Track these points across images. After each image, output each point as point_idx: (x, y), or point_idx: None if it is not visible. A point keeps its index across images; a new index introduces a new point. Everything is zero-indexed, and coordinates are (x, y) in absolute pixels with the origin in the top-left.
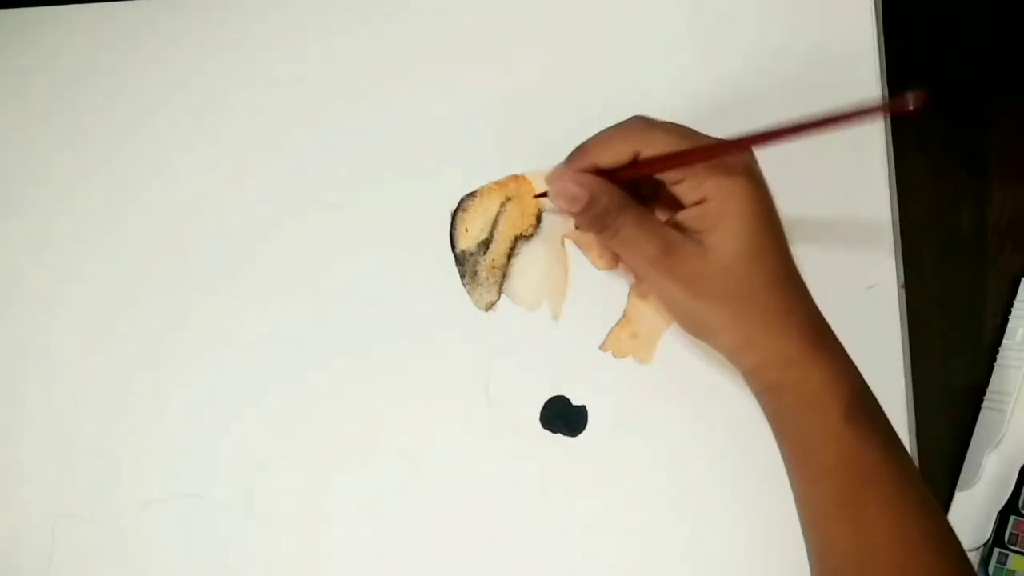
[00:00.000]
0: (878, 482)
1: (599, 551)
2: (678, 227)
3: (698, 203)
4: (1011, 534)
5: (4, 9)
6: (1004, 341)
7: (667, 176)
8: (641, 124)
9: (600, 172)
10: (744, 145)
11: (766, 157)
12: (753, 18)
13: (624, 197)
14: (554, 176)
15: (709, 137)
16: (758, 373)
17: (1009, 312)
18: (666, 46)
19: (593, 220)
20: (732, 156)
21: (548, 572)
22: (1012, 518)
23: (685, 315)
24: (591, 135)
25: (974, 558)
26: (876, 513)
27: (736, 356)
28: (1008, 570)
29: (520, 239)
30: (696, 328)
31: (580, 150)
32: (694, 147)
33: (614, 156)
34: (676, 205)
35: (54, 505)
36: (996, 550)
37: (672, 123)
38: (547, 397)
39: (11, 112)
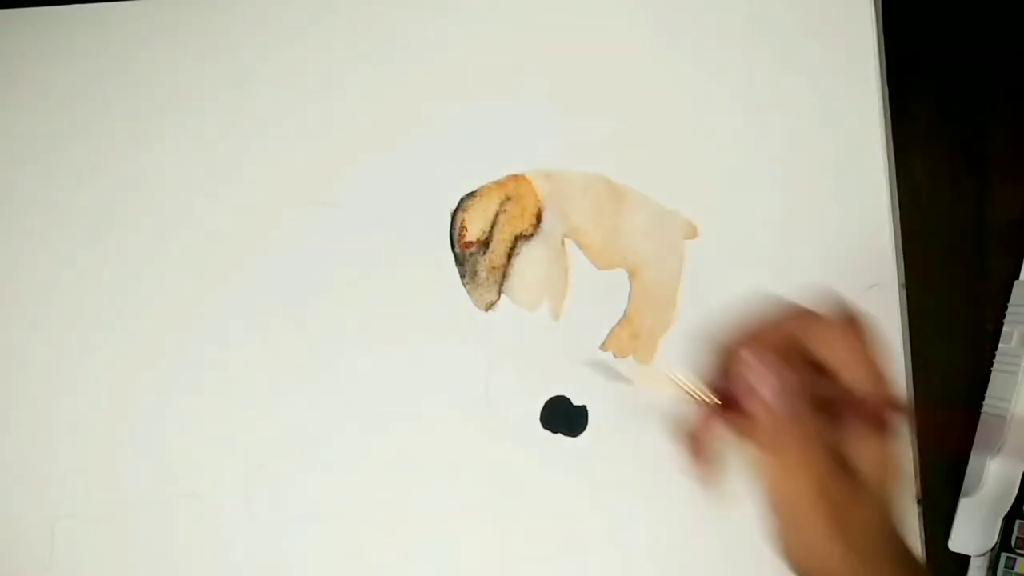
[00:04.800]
0: None
1: (599, 551)
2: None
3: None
4: (1017, 538)
5: (4, 9)
6: (1000, 345)
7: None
8: (806, 314)
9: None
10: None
11: (765, 160)
12: (753, 11)
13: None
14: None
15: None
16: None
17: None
18: (665, 48)
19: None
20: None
21: (548, 571)
22: (1017, 522)
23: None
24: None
25: (982, 564)
26: None
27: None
28: (1017, 573)
29: (520, 239)
30: (783, 550)
31: (742, 333)
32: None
33: (780, 337)
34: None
35: (54, 505)
36: (1004, 555)
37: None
38: (547, 397)
39: (10, 111)
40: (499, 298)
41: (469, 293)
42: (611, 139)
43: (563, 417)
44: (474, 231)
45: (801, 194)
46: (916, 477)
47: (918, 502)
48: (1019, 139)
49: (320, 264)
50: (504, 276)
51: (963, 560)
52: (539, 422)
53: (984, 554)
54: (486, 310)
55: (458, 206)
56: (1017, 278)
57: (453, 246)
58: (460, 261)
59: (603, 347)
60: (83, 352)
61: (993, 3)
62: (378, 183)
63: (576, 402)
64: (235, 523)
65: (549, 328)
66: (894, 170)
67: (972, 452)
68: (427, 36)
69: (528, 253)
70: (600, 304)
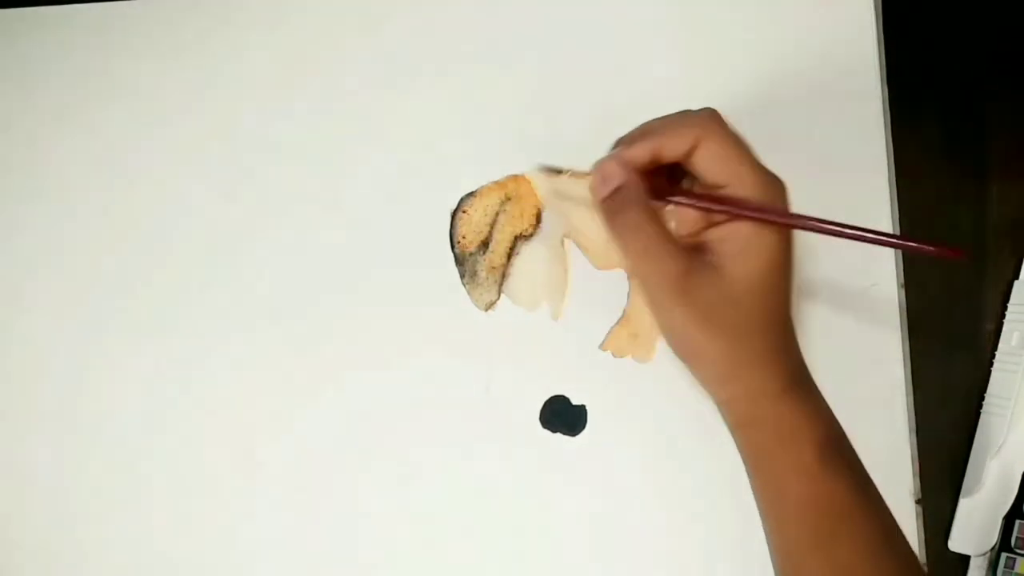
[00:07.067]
0: (851, 522)
1: (599, 550)
2: (698, 245)
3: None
4: (1017, 538)
5: (4, 9)
6: (1000, 345)
7: (712, 176)
8: (707, 118)
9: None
10: (786, 223)
11: (764, 159)
12: (753, 13)
13: (652, 207)
14: (605, 156)
15: (757, 162)
16: (734, 405)
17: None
18: (665, 46)
19: (615, 213)
20: (774, 189)
21: (548, 571)
22: (1017, 522)
23: (680, 338)
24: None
25: (982, 564)
26: (849, 553)
27: (716, 385)
28: (1016, 573)
29: (520, 239)
30: (687, 352)
31: (643, 130)
32: (734, 201)
33: (677, 143)
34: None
35: (54, 505)
36: (1004, 555)
37: (737, 135)
38: (547, 397)
39: (10, 110)
40: (499, 298)
41: (469, 293)
42: (610, 139)
43: (563, 417)
44: (473, 231)
45: (801, 194)
46: (916, 477)
47: (918, 502)
48: (1019, 139)
49: (320, 264)
50: (504, 276)
51: (963, 560)
52: (539, 422)
53: (984, 554)
54: (486, 310)
55: (458, 206)
56: (1017, 278)
57: (453, 246)
58: (460, 261)
59: (602, 347)
60: (83, 353)
61: (993, 4)
62: (378, 183)
63: (575, 402)
64: (235, 523)
65: (549, 328)
66: (894, 170)
67: (972, 452)
68: (427, 36)
69: (528, 253)
70: (599, 304)
